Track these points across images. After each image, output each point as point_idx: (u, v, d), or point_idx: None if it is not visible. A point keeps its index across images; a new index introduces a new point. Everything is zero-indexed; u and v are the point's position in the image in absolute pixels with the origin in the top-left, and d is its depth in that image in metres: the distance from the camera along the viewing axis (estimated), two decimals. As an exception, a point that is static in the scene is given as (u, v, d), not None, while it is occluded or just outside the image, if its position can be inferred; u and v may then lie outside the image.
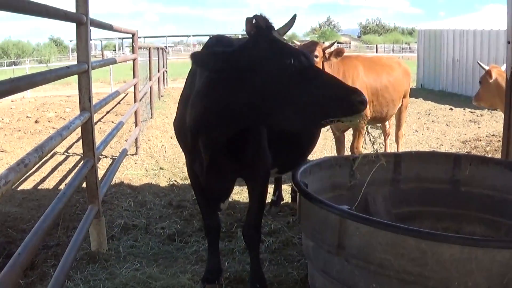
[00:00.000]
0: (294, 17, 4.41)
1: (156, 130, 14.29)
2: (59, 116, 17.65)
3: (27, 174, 7.18)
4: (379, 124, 10.32)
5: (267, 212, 7.27)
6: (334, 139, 9.23)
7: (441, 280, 3.35)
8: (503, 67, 8.25)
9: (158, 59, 22.63)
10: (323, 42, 8.88)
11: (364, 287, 3.74)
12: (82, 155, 6.43)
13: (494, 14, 24.32)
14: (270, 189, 7.39)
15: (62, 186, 9.18)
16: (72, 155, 11.74)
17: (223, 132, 4.36)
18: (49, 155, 10.08)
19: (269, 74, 3.89)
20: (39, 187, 9.26)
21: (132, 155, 11.16)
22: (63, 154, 11.84)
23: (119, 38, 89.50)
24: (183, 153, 5.23)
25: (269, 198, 7.24)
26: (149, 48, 16.95)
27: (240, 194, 8.06)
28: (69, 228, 6.81)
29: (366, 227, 3.61)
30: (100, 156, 10.31)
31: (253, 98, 3.96)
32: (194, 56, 4.00)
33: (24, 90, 3.87)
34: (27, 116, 17.57)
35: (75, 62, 5.62)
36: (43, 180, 9.69)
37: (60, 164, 10.94)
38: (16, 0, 3.57)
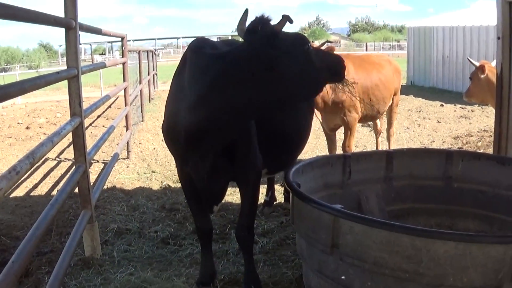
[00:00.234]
0: (287, 18, 4.42)
1: (147, 133, 14.25)
2: (50, 121, 17.57)
3: (19, 181, 7.15)
4: (371, 122, 10.38)
5: (260, 213, 7.27)
6: (325, 138, 9.24)
7: (436, 276, 3.35)
8: (493, 63, 8.28)
9: (148, 62, 22.58)
10: (312, 41, 8.88)
11: (359, 285, 3.74)
12: (73, 160, 6.41)
13: (483, 10, 24.33)
14: (263, 189, 7.39)
15: (54, 192, 9.14)
16: (63, 161, 11.70)
17: (228, 133, 4.41)
18: (40, 161, 10.06)
19: (292, 62, 4.15)
20: (31, 194, 9.22)
21: (124, 159, 11.13)
22: (55, 160, 11.79)
23: (109, 42, 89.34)
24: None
25: (262, 199, 7.25)
26: (139, 51, 16.92)
27: (232, 195, 8.05)
28: (62, 234, 6.79)
29: (360, 225, 3.61)
30: (91, 161, 10.28)
31: (268, 91, 4.17)
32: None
33: (15, 97, 3.86)
34: (18, 123, 17.49)
35: (65, 67, 5.60)
36: (35, 186, 9.66)
37: (51, 170, 10.90)
38: (6, 7, 3.55)
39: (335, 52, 7.99)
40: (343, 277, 3.81)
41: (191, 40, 5.31)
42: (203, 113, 4.25)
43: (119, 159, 10.38)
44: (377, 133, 10.44)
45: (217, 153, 4.58)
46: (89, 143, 6.28)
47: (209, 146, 4.48)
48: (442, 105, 18.92)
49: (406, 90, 22.79)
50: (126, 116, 11.23)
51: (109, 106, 20.76)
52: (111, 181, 9.33)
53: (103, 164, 10.96)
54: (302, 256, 4.46)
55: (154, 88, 26.72)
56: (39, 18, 4.44)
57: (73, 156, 6.07)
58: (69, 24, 5.44)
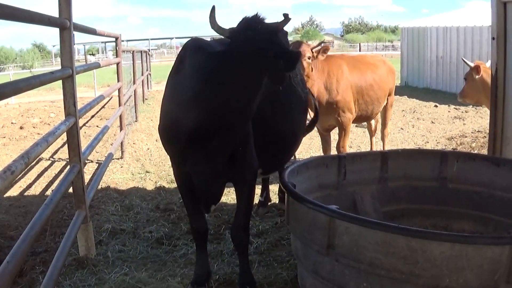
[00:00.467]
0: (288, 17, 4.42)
1: (141, 134, 14.24)
2: (44, 121, 17.53)
3: (13, 181, 7.14)
4: (365, 123, 10.38)
5: (254, 213, 7.26)
6: (320, 139, 9.24)
7: (432, 277, 3.36)
8: (488, 63, 8.29)
9: (142, 62, 22.56)
10: (306, 42, 8.88)
11: (355, 286, 3.74)
12: (67, 160, 6.39)
13: (477, 11, 24.39)
14: (257, 190, 7.38)
15: (48, 192, 9.13)
16: (57, 161, 11.67)
17: (233, 131, 4.44)
18: (34, 161, 10.04)
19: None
20: (25, 194, 9.20)
21: (118, 159, 11.12)
22: (49, 159, 11.76)
23: (102, 42, 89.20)
24: (168, 156, 5.23)
25: (256, 199, 7.24)
26: (133, 51, 16.91)
27: (227, 195, 8.03)
28: (56, 234, 6.77)
29: (355, 226, 3.61)
30: (86, 161, 10.26)
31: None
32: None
33: (9, 97, 3.84)
34: (11, 123, 17.44)
35: (59, 67, 5.58)
36: (29, 186, 9.63)
37: (46, 170, 10.87)
38: (1, 7, 3.54)
39: (329, 53, 8.06)
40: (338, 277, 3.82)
41: (184, 40, 5.33)
42: (204, 110, 4.26)
43: (113, 159, 10.37)
44: (371, 133, 10.44)
45: (226, 153, 4.60)
46: (83, 143, 6.27)
47: (216, 147, 4.49)
48: (436, 106, 18.93)
49: (400, 90, 22.79)
50: (120, 116, 11.21)
51: (103, 106, 20.72)
52: (105, 181, 9.31)
53: (97, 164, 10.94)
54: (297, 256, 4.46)
55: (148, 88, 26.70)
56: (34, 18, 4.43)
57: (67, 156, 6.07)
58: (64, 24, 5.42)
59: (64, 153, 11.90)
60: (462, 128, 14.79)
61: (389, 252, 3.43)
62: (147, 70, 26.16)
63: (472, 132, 13.82)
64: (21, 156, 3.75)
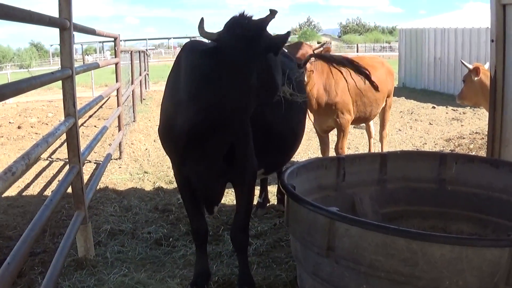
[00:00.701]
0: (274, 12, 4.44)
1: (139, 134, 14.23)
2: (42, 121, 17.51)
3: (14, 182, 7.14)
4: (363, 124, 10.39)
5: (253, 215, 7.26)
6: (318, 140, 9.24)
7: (432, 280, 3.36)
8: (486, 65, 8.29)
9: (140, 62, 22.55)
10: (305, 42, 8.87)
11: (355, 288, 3.75)
12: (66, 160, 6.39)
13: (475, 12, 24.42)
14: (256, 191, 7.38)
15: (46, 192, 9.13)
16: (55, 161, 11.64)
17: (230, 131, 4.47)
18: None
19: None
20: (23, 194, 9.18)
21: (116, 159, 11.12)
22: (47, 159, 11.74)
23: (100, 42, 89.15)
24: (167, 157, 5.24)
25: (255, 201, 7.24)
26: (131, 51, 16.90)
27: (226, 196, 8.00)
28: (55, 234, 6.76)
29: (356, 228, 3.62)
30: (84, 161, 10.26)
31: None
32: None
33: (10, 97, 3.85)
34: (9, 122, 17.40)
35: (56, 67, 5.59)
36: (27, 186, 9.62)
37: (44, 170, 10.85)
38: (1, 7, 3.54)
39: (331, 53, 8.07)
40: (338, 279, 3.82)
41: (182, 40, 5.35)
42: (199, 109, 4.27)
43: (111, 159, 10.36)
44: (369, 135, 10.45)
45: (223, 153, 4.61)
46: (81, 143, 6.27)
47: (214, 146, 4.50)
48: (433, 107, 18.94)
49: (398, 92, 22.78)
50: (119, 117, 11.22)
51: (101, 106, 20.71)
52: (104, 181, 9.30)
53: (95, 164, 10.94)
54: (297, 258, 4.47)
55: (146, 88, 26.68)
56: (34, 18, 4.42)
57: (64, 156, 6.07)
58: (64, 24, 5.42)
59: (61, 153, 11.91)
60: (460, 129, 14.80)
61: (389, 254, 3.44)
62: (145, 70, 26.13)
63: (470, 134, 13.84)
64: (21, 157, 3.76)
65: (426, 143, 13.07)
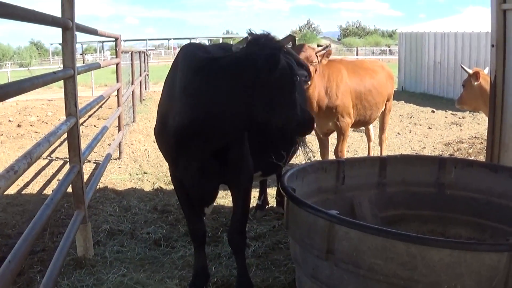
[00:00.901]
0: (292, 37, 4.49)
1: (139, 134, 14.25)
2: (41, 120, 17.54)
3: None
4: (363, 127, 10.40)
5: (252, 217, 7.28)
6: (318, 143, 9.26)
7: (430, 284, 3.37)
8: (486, 70, 8.31)
9: (140, 63, 22.55)
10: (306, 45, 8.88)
11: (353, 291, 3.76)
12: (65, 159, 6.40)
13: (475, 17, 24.43)
14: (255, 193, 7.40)
15: (46, 191, 9.15)
16: (55, 160, 11.65)
17: (220, 137, 4.45)
18: (32, 160, 10.02)
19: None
20: (22, 192, 9.20)
21: (116, 159, 11.13)
22: (46, 158, 11.74)
23: (99, 42, 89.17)
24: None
25: (254, 202, 7.26)
26: (131, 52, 16.92)
27: (224, 198, 8.05)
28: (54, 233, 6.78)
29: (355, 231, 3.62)
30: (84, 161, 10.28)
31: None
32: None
33: (13, 97, 3.86)
34: (9, 120, 17.42)
35: (56, 66, 5.63)
36: (27, 185, 9.63)
37: (43, 168, 10.87)
38: (4, 6, 3.55)
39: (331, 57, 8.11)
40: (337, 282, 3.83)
41: (182, 41, 5.36)
42: (192, 115, 4.29)
43: (111, 159, 10.37)
44: (369, 138, 10.46)
45: (207, 156, 4.60)
46: (82, 143, 6.28)
47: (199, 150, 4.51)
48: (433, 111, 18.97)
49: (397, 95, 22.75)
50: (119, 117, 11.23)
51: (100, 106, 20.72)
52: (103, 181, 9.31)
53: (95, 164, 10.96)
54: (296, 261, 4.47)
55: (146, 89, 26.68)
56: (37, 18, 4.44)
57: (64, 155, 6.08)
58: (67, 24, 5.43)
59: (61, 152, 11.91)
60: (459, 134, 14.83)
61: (389, 257, 3.44)
62: (145, 71, 26.14)
63: (469, 138, 13.85)
64: (23, 156, 3.77)
65: (425, 147, 13.08)
